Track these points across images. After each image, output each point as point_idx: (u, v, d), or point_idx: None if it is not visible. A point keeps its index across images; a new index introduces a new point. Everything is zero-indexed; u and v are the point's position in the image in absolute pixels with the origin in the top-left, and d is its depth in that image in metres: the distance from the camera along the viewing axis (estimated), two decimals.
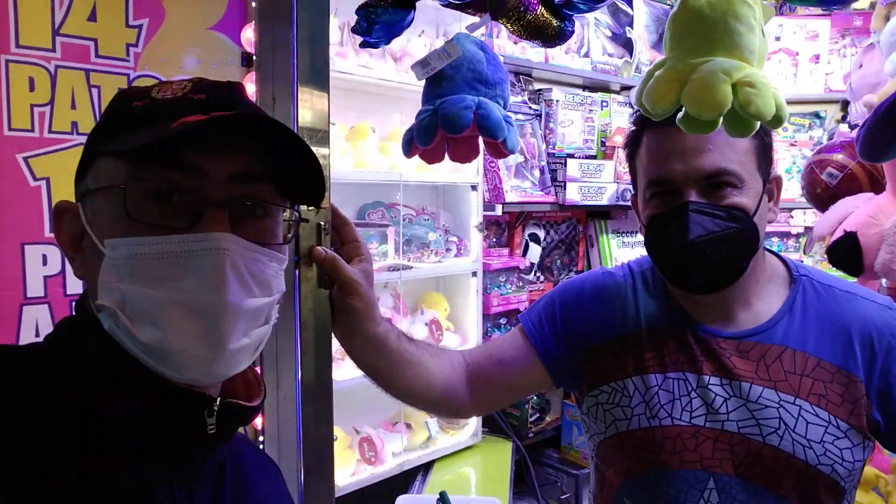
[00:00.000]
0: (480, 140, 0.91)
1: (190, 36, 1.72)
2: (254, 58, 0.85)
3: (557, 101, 2.58)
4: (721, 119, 0.67)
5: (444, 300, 2.31)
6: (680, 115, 0.70)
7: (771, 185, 0.97)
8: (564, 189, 2.53)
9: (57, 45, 1.53)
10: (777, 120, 0.65)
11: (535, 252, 2.67)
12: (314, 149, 0.86)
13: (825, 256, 1.59)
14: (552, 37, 0.85)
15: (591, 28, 2.75)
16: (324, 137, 0.87)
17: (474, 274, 2.27)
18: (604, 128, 2.71)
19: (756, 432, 0.92)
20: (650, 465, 0.97)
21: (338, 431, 1.92)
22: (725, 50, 0.64)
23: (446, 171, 2.19)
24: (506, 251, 2.55)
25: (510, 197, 2.39)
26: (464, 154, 0.91)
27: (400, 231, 2.07)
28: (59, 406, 0.53)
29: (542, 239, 2.71)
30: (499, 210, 2.37)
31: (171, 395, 0.57)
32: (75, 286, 1.57)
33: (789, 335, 0.96)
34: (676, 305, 1.02)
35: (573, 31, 0.88)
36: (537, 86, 2.65)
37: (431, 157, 0.89)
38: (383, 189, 2.12)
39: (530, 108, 2.58)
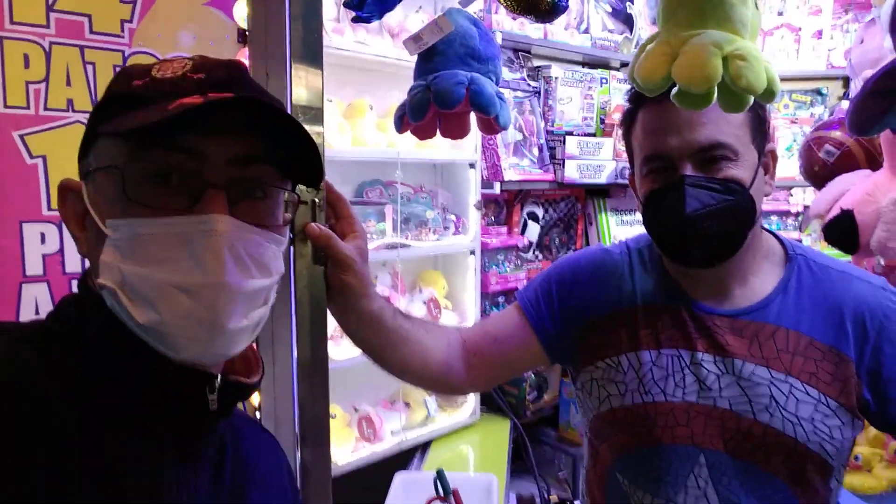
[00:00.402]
0: (472, 116, 0.91)
1: (185, 12, 1.70)
2: (247, 34, 0.84)
3: (556, 77, 2.56)
4: (715, 94, 0.67)
5: (442, 278, 2.32)
6: (674, 90, 0.69)
7: (766, 158, 0.97)
8: (563, 167, 2.52)
9: (51, 21, 1.52)
10: (769, 94, 0.64)
11: (533, 230, 2.67)
12: (308, 127, 0.86)
13: (822, 234, 1.59)
14: (546, 12, 0.84)
15: (592, 3, 2.72)
16: (318, 115, 0.86)
17: (472, 252, 2.27)
18: (603, 105, 2.69)
19: (747, 409, 0.93)
20: (642, 440, 0.98)
21: (337, 410, 1.94)
22: (717, 23, 0.63)
23: (445, 148, 2.18)
24: (504, 229, 2.55)
25: (509, 175, 2.38)
26: (455, 130, 0.90)
27: (398, 209, 2.07)
28: (63, 383, 0.54)
29: (540, 217, 2.71)
30: (497, 188, 2.37)
31: (173, 373, 0.57)
32: (74, 264, 1.57)
33: (783, 314, 0.96)
34: (673, 282, 1.02)
35: (567, 6, 0.87)
36: (536, 62, 2.63)
37: (423, 133, 0.89)
38: (381, 167, 2.11)
39: (529, 85, 2.56)
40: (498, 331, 1.09)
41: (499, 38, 2.33)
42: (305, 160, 0.62)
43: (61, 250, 1.58)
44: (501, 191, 2.41)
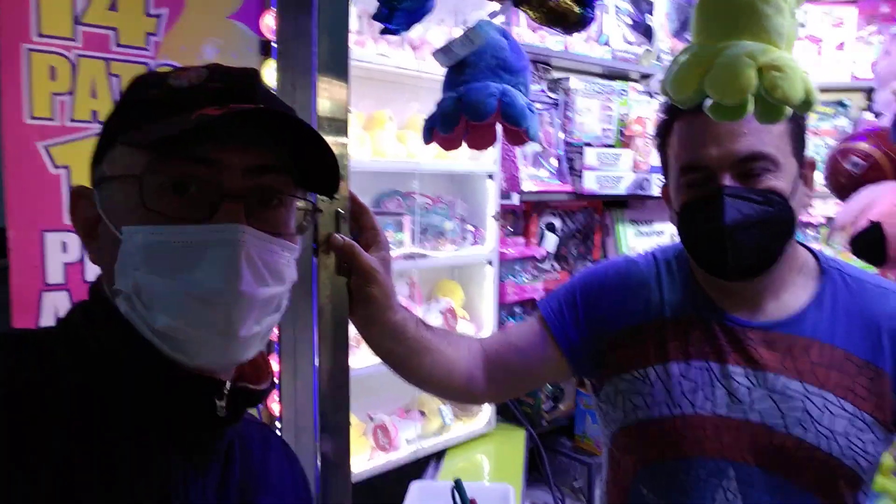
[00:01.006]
0: (498, 127, 0.90)
1: (209, 25, 1.72)
2: (273, 46, 0.84)
3: (576, 89, 2.55)
4: (750, 105, 0.65)
5: (459, 289, 2.31)
6: (708, 102, 0.69)
7: (805, 169, 0.95)
8: (581, 178, 2.51)
9: (78, 34, 1.54)
10: (806, 104, 0.63)
11: (551, 241, 2.66)
12: (332, 138, 0.87)
13: (847, 246, 1.57)
14: (574, 24, 0.83)
15: (612, 16, 2.71)
16: (342, 126, 0.87)
17: (490, 263, 2.27)
18: (622, 117, 2.68)
19: (780, 423, 0.91)
20: (669, 453, 0.96)
21: (352, 418, 1.91)
22: (752, 33, 0.62)
23: (463, 159, 2.18)
24: (522, 240, 2.54)
25: (527, 186, 2.38)
26: (482, 141, 0.90)
27: (416, 219, 2.07)
28: (72, 389, 0.54)
29: (558, 228, 2.70)
30: (515, 199, 2.36)
31: (183, 379, 0.57)
32: (95, 273, 1.59)
33: (818, 327, 0.95)
34: (702, 294, 1.01)
35: (594, 18, 0.87)
36: (556, 74, 2.63)
37: (451, 144, 0.89)
38: (400, 177, 2.12)
39: (548, 96, 2.56)
40: (519, 341, 1.08)
41: None
42: (322, 167, 0.63)
43: (82, 259, 1.59)
44: (520, 202, 2.40)
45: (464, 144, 0.90)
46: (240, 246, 0.54)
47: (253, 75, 0.60)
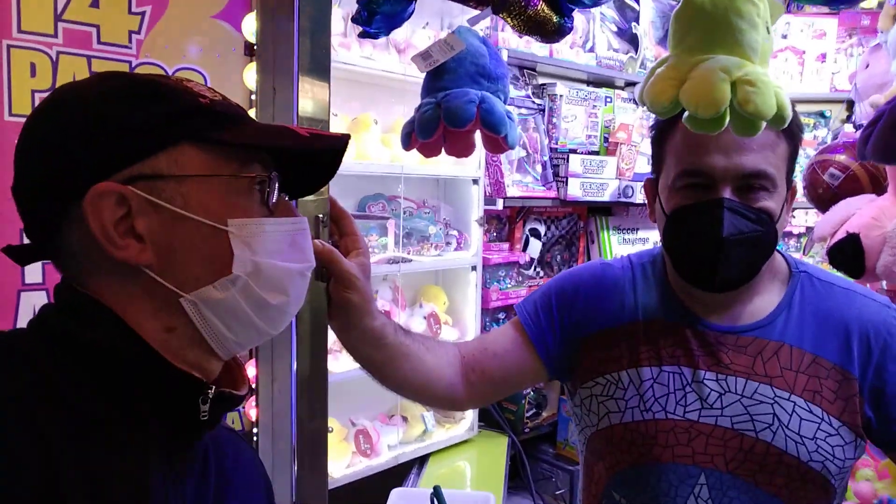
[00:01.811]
0: (477, 134, 0.90)
1: (193, 24, 1.71)
2: (255, 48, 0.84)
3: (561, 95, 2.57)
4: (727, 118, 0.66)
5: (442, 294, 2.31)
6: (685, 114, 0.69)
7: (788, 193, 0.96)
8: (566, 184, 2.52)
9: (59, 31, 1.52)
10: (779, 119, 0.64)
11: (535, 247, 2.67)
12: None
13: (825, 257, 1.58)
14: (552, 32, 0.84)
15: (597, 23, 2.73)
16: (324, 128, 0.87)
17: (474, 268, 2.27)
18: (607, 123, 2.70)
19: (749, 428, 0.92)
20: (641, 458, 0.97)
21: (334, 423, 1.92)
22: (727, 47, 0.63)
23: (448, 164, 2.19)
24: (506, 246, 2.55)
25: (511, 191, 2.38)
26: (461, 148, 0.90)
27: (400, 224, 2.07)
28: (50, 390, 0.54)
29: (542, 234, 2.71)
30: (500, 204, 2.36)
31: (170, 381, 0.58)
32: None
33: (787, 331, 0.96)
34: (675, 299, 1.01)
35: (572, 28, 0.88)
36: (541, 80, 2.64)
37: (430, 151, 0.89)
38: (384, 181, 2.11)
39: (534, 102, 2.57)
40: (497, 346, 1.08)
41: (505, 56, 2.34)
42: (317, 177, 0.71)
43: None
44: (504, 207, 2.40)
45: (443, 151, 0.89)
46: (308, 232, 0.68)
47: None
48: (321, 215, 0.85)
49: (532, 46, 2.47)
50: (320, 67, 0.85)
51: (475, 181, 2.26)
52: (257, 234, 0.61)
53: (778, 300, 0.98)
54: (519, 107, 2.51)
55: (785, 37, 3.09)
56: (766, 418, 0.92)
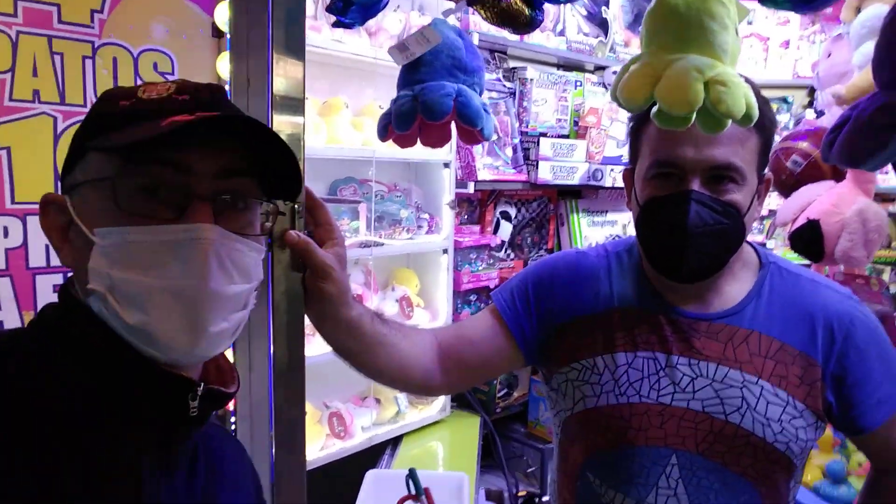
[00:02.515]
0: (452, 125, 0.91)
1: (159, 4, 1.66)
2: (228, 34, 0.83)
3: (532, 79, 2.57)
4: (694, 115, 0.68)
5: (414, 277, 2.32)
6: (654, 109, 0.71)
7: (761, 186, 0.99)
8: (537, 168, 2.54)
9: (18, 10, 1.47)
10: (746, 118, 0.66)
11: (506, 230, 2.69)
12: (289, 117, 0.87)
13: (787, 242, 1.64)
14: (524, 25, 0.85)
15: (567, 7, 2.73)
16: (299, 106, 0.86)
17: (445, 251, 2.28)
18: (577, 107, 2.72)
19: (720, 411, 0.96)
20: (615, 441, 1.00)
21: (307, 406, 1.92)
22: (699, 48, 0.65)
23: (419, 148, 2.16)
24: (477, 228, 2.56)
25: (483, 175, 2.39)
26: (436, 139, 0.91)
27: (372, 207, 2.07)
28: (45, 387, 0.56)
29: (513, 217, 2.73)
30: (471, 188, 2.37)
31: (158, 379, 0.59)
32: (38, 258, 1.54)
33: (756, 319, 0.99)
34: (650, 287, 1.04)
35: (543, 20, 0.89)
36: (512, 64, 2.64)
37: (406, 142, 0.89)
38: (355, 165, 2.10)
39: (504, 86, 2.57)
40: (473, 333, 1.10)
41: (476, 39, 2.33)
42: (285, 173, 0.67)
43: (25, 244, 1.54)
44: (475, 190, 2.41)
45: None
46: (208, 244, 0.58)
47: (217, 89, 0.65)
48: (297, 205, 0.85)
49: (503, 30, 2.47)
50: (295, 44, 0.84)
51: (446, 165, 2.26)
52: (119, 245, 0.57)
53: (748, 289, 1.02)
54: (490, 90, 2.51)
55: (750, 23, 3.14)
56: (736, 401, 0.95)
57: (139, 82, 1.18)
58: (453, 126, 0.92)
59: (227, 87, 0.82)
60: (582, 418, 1.03)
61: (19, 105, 1.52)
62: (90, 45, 1.59)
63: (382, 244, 2.06)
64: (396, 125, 0.86)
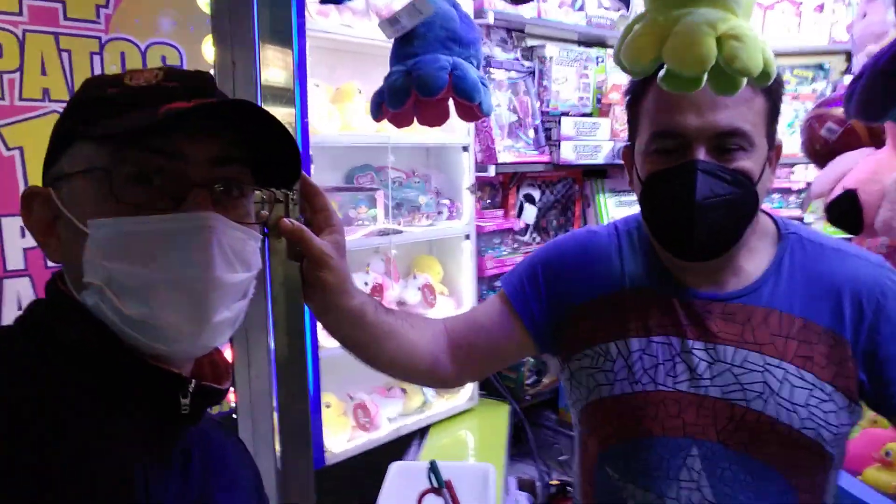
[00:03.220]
0: (451, 103, 0.86)
1: None
2: (209, 19, 0.80)
3: (551, 57, 2.50)
4: (705, 76, 0.62)
5: (437, 264, 2.28)
6: (661, 72, 0.65)
7: (772, 153, 0.92)
8: (559, 148, 2.47)
9: (24, 9, 1.47)
10: (765, 76, 0.60)
11: (530, 213, 2.63)
12: (282, 109, 0.83)
13: (824, 214, 1.55)
14: None
15: None
16: (291, 97, 0.83)
17: (467, 237, 2.23)
18: (599, 84, 2.63)
19: (740, 397, 0.90)
20: (632, 431, 0.95)
21: (331, 398, 1.92)
22: (709, 0, 0.59)
23: (437, 132, 2.13)
24: (500, 212, 2.51)
25: (503, 157, 2.33)
26: (434, 117, 0.86)
27: (389, 194, 2.03)
28: (36, 385, 0.54)
29: (537, 199, 2.66)
30: (492, 171, 2.32)
31: (148, 376, 0.58)
32: None
33: (776, 296, 0.92)
34: (661, 266, 0.98)
35: None
36: (530, 42, 2.56)
37: (401, 121, 0.84)
38: (372, 152, 2.07)
39: (523, 65, 2.50)
40: (483, 320, 1.06)
41: (491, 18, 2.27)
42: (281, 160, 0.65)
43: None
44: (496, 174, 2.36)
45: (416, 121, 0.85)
46: (211, 232, 0.57)
47: (206, 77, 0.63)
48: (290, 193, 0.81)
49: (519, 7, 2.39)
50: (283, 32, 0.81)
51: (465, 148, 2.21)
52: (115, 236, 0.55)
53: (766, 264, 0.95)
54: (508, 70, 2.44)
55: None
56: (757, 387, 0.89)
57: None
58: (451, 104, 0.87)
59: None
60: (596, 408, 0.99)
61: (30, 104, 1.52)
62: (97, 41, 1.58)
63: (402, 231, 2.03)
64: (390, 103, 0.82)
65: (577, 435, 1.09)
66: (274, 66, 0.81)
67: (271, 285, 0.84)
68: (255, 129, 0.60)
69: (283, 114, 0.83)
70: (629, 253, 1.01)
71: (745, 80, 0.60)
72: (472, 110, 0.84)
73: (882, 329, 0.89)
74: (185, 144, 0.58)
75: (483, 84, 0.84)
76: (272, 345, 0.85)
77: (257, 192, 0.68)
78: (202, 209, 0.57)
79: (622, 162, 1.01)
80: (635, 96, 0.93)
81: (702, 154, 0.84)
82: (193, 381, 0.61)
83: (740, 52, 0.56)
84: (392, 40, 0.85)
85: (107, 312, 0.56)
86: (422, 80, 0.81)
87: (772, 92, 0.88)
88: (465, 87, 0.83)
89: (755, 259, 0.95)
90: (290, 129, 0.84)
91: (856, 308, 0.90)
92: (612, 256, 1.01)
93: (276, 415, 0.85)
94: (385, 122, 0.86)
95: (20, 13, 1.47)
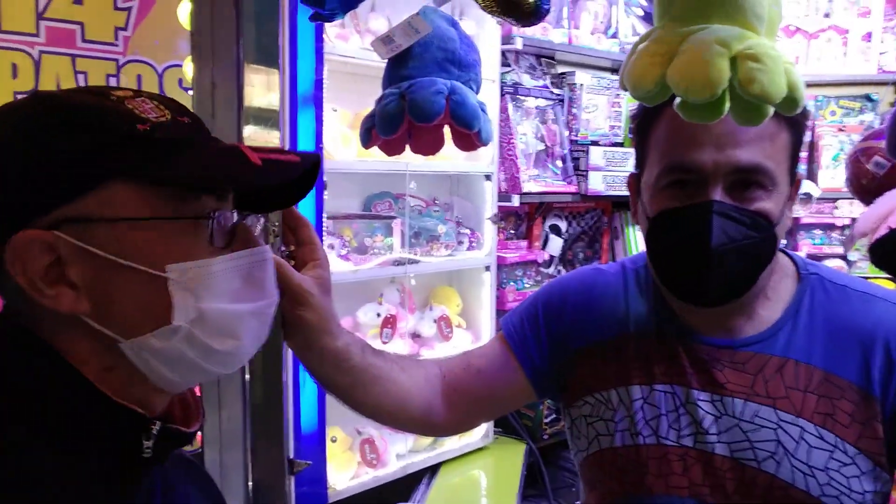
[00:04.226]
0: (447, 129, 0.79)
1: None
2: (191, 37, 0.75)
3: (582, 84, 2.43)
4: (727, 104, 0.54)
5: (456, 295, 2.21)
6: (678, 99, 0.57)
7: (792, 188, 0.83)
8: (587, 178, 2.38)
9: (41, 30, 1.47)
10: (790, 102, 0.51)
11: (555, 244, 2.54)
12: (265, 132, 0.79)
13: (868, 255, 1.43)
14: (527, 14, 0.72)
15: (621, 6, 2.58)
16: (276, 120, 0.78)
17: (487, 268, 2.16)
18: (632, 113, 2.55)
19: (750, 457, 0.80)
20: (632, 488, 0.86)
21: (337, 432, 1.84)
22: (724, 15, 0.51)
23: (459, 160, 2.08)
24: (524, 243, 2.43)
25: (528, 187, 2.26)
26: (427, 145, 0.79)
27: (407, 222, 1.97)
28: None
29: (563, 231, 2.58)
30: (516, 201, 2.25)
31: (111, 416, 0.55)
32: None
33: (792, 344, 0.82)
34: (667, 308, 0.89)
35: (549, 10, 0.76)
36: (560, 69, 2.51)
37: (393, 148, 0.78)
38: (392, 179, 2.02)
39: (552, 92, 2.44)
40: (480, 363, 0.97)
41: (520, 44, 2.22)
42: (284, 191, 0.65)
43: None
44: (521, 203, 2.29)
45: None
46: (269, 263, 0.62)
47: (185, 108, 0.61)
48: (270, 223, 0.76)
49: (549, 33, 2.34)
50: (269, 53, 0.76)
51: (488, 177, 2.15)
52: (202, 278, 0.56)
53: (783, 308, 0.84)
54: (536, 97, 2.38)
55: (827, 15, 2.88)
56: (769, 446, 0.79)
57: None
58: (450, 131, 0.80)
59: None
60: (597, 461, 0.90)
61: None
62: (115, 63, 1.57)
63: (417, 261, 1.96)
64: (381, 129, 0.76)
65: (580, 490, 0.99)
66: (259, 87, 0.76)
67: None
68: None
69: (268, 137, 0.78)
70: (635, 293, 0.92)
71: (771, 110, 0.52)
72: (470, 138, 0.78)
73: None
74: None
75: (483, 110, 0.77)
76: (247, 386, 0.79)
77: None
78: (255, 242, 0.60)
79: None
80: (646, 122, 0.85)
81: (718, 194, 0.76)
82: (158, 423, 0.57)
83: (759, 74, 0.48)
84: (380, 58, 0.78)
85: (186, 352, 0.56)
86: (416, 104, 0.75)
87: (796, 124, 0.79)
88: (464, 114, 0.76)
89: (771, 302, 0.85)
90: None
91: (885, 359, 0.80)
92: (619, 298, 0.93)
93: (247, 461, 0.78)
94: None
95: (37, 34, 1.47)
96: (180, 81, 1.66)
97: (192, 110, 0.61)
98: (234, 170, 0.56)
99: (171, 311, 0.55)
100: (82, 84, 1.53)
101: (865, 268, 2.63)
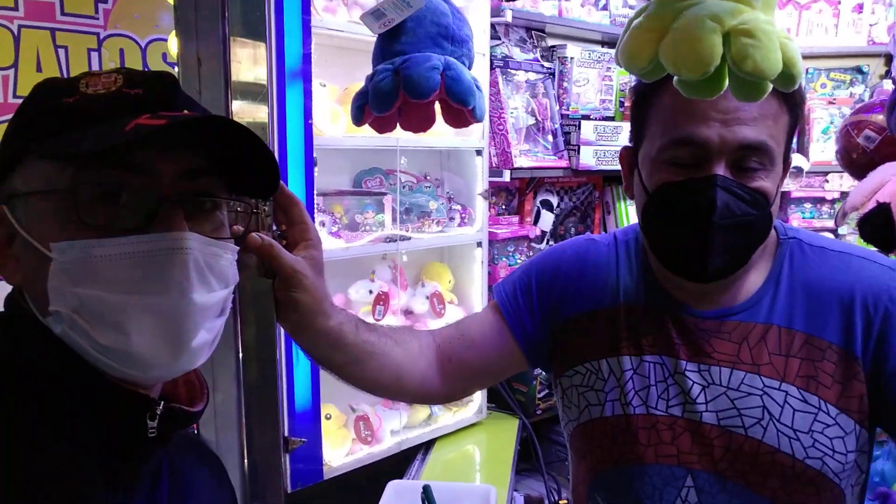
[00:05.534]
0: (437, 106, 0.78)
1: None
2: (174, 11, 0.73)
3: (572, 58, 2.40)
4: (726, 81, 0.54)
5: (447, 272, 2.20)
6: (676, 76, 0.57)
7: (784, 172, 0.84)
8: (578, 153, 2.37)
9: (20, 3, 1.43)
10: (787, 78, 0.51)
11: (547, 220, 2.54)
12: (252, 106, 0.77)
13: (857, 230, 1.44)
14: None
15: None
16: (265, 94, 0.77)
17: (479, 244, 2.15)
18: (623, 87, 2.53)
19: (738, 424, 0.82)
20: (623, 457, 0.87)
21: (332, 410, 1.85)
22: None
23: (449, 135, 2.06)
24: (516, 219, 2.42)
25: (520, 162, 2.25)
26: (418, 121, 0.78)
27: (398, 199, 1.96)
28: None
29: (555, 206, 2.57)
30: (507, 176, 2.24)
31: (113, 398, 0.56)
32: None
33: (774, 310, 0.84)
34: (655, 281, 0.90)
35: None
36: (550, 42, 2.48)
37: (384, 126, 0.77)
38: (382, 155, 2.00)
39: (542, 66, 2.41)
40: (473, 332, 0.98)
41: (510, 16, 2.19)
42: (259, 169, 0.61)
43: None
44: (512, 178, 2.27)
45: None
46: (187, 254, 0.54)
47: (170, 79, 0.58)
48: (261, 202, 0.75)
49: (539, 6, 2.31)
50: (255, 24, 0.74)
51: (479, 152, 2.13)
52: (83, 260, 0.51)
53: (764, 275, 0.85)
54: (527, 71, 2.36)
55: None
56: (756, 412, 0.81)
57: None
58: (439, 108, 0.79)
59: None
60: (587, 430, 0.91)
61: None
62: (95, 37, 1.54)
63: (409, 238, 1.95)
64: (375, 106, 0.75)
65: (570, 460, 1.01)
66: (245, 62, 0.75)
67: (240, 304, 0.77)
68: (228, 141, 0.56)
69: (256, 112, 0.77)
70: (625, 265, 0.94)
71: (770, 86, 0.51)
72: (463, 115, 0.77)
73: (890, 339, 0.80)
74: (152, 159, 0.54)
75: (477, 87, 0.76)
76: (241, 367, 0.79)
77: (232, 203, 0.64)
78: (175, 227, 0.53)
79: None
80: (647, 94, 0.84)
81: (721, 169, 0.76)
82: (162, 403, 0.57)
83: (752, 50, 0.47)
84: (371, 33, 0.77)
85: (77, 340, 0.53)
86: (411, 80, 0.74)
87: (796, 107, 0.80)
88: (459, 90, 0.75)
89: (754, 271, 0.86)
90: (267, 129, 0.78)
91: (864, 317, 0.81)
92: (610, 268, 0.94)
93: (242, 444, 0.78)
94: None
95: (16, 8, 1.43)
96: (164, 56, 1.62)
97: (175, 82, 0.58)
98: (99, 141, 0.50)
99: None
100: (62, 59, 1.50)
101: (854, 242, 2.65)
